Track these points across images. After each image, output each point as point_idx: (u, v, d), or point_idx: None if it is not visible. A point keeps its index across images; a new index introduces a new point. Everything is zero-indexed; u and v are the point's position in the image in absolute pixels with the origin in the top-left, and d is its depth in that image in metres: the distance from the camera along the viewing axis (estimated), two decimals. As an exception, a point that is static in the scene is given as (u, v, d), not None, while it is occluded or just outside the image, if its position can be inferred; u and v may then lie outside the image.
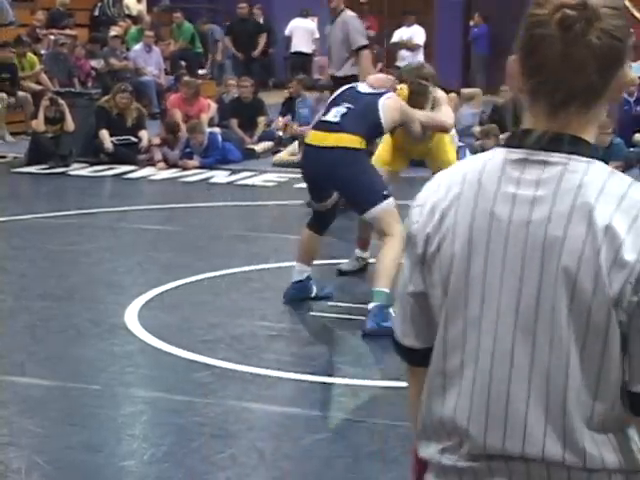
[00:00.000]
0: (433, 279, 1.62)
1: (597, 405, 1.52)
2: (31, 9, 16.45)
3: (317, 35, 19.92)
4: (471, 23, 19.79)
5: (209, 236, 8.32)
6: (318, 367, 4.95)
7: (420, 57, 15.47)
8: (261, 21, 20.06)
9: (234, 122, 12.65)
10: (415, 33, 15.58)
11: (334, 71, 8.70)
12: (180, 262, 7.08)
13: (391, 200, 5.57)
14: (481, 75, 18.77)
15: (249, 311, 5.80)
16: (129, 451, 3.94)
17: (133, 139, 12.02)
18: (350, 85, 5.95)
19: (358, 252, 6.68)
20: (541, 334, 1.52)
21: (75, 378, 4.69)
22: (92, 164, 11.68)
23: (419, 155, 6.63)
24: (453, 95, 14.04)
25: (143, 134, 12.10)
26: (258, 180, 10.69)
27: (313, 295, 5.93)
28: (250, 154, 11.88)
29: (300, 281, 5.85)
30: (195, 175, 11.00)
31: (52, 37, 15.86)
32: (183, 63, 17.00)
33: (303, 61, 19.61)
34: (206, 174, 10.99)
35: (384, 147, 6.56)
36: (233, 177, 10.78)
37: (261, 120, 12.66)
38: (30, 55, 14.57)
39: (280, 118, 13.28)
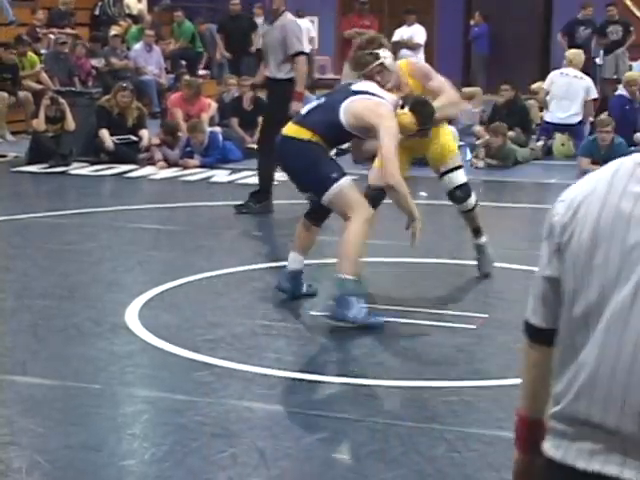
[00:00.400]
0: (565, 266, 1.84)
1: None
2: (31, 8, 16.45)
3: (313, 34, 20.01)
4: (471, 22, 19.78)
5: (210, 235, 8.33)
6: (319, 366, 4.96)
7: (421, 56, 15.44)
8: (261, 20, 20.07)
9: (234, 121, 12.65)
10: (416, 32, 15.56)
11: (268, 73, 8.71)
12: (181, 261, 7.09)
13: (343, 181, 5.52)
14: (481, 74, 18.76)
15: (250, 310, 5.81)
16: (129, 450, 3.94)
17: (134, 138, 12.03)
18: (351, 81, 5.97)
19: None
20: None
21: (76, 377, 4.70)
22: (92, 163, 11.70)
23: (420, 152, 6.45)
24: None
25: (144, 133, 12.10)
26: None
27: (303, 292, 5.97)
28: (251, 153, 11.87)
29: (293, 270, 5.90)
30: (195, 174, 11.01)
31: (52, 36, 15.86)
32: (183, 62, 17.00)
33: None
34: (207, 173, 11.00)
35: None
36: (234, 176, 10.79)
37: (261, 120, 12.66)
38: (31, 54, 14.58)
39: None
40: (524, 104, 13.49)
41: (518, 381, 4.77)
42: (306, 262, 6.33)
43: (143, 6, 19.12)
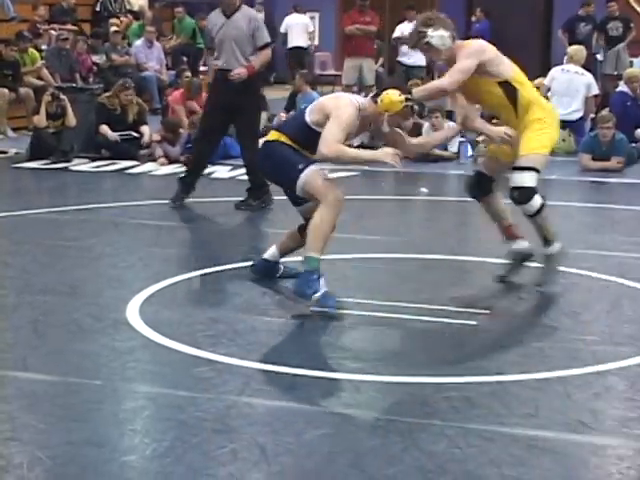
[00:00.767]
0: None
1: None
2: (33, 4, 16.44)
3: (311, 29, 20.05)
4: (473, 19, 19.78)
5: (211, 231, 8.34)
6: (319, 362, 4.95)
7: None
8: (262, 16, 20.03)
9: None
10: (416, 28, 15.53)
11: (224, 65, 8.73)
12: (182, 257, 7.10)
13: (309, 171, 5.67)
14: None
15: (251, 306, 5.81)
16: (131, 446, 3.94)
17: (134, 134, 12.03)
18: None
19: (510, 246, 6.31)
20: None
21: (77, 373, 4.70)
22: (93, 159, 11.71)
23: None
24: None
25: (144, 129, 12.11)
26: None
27: (279, 274, 6.22)
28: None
29: (268, 260, 6.19)
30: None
31: (54, 32, 15.86)
32: (184, 58, 16.99)
33: (300, 55, 19.71)
34: (207, 169, 10.97)
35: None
36: (234, 172, 10.78)
37: (262, 115, 12.65)
38: (32, 50, 14.58)
39: (282, 113, 13.31)
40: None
41: (519, 377, 4.79)
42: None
43: (144, 2, 19.13)
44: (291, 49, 19.83)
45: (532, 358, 5.03)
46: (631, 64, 16.88)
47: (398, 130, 5.96)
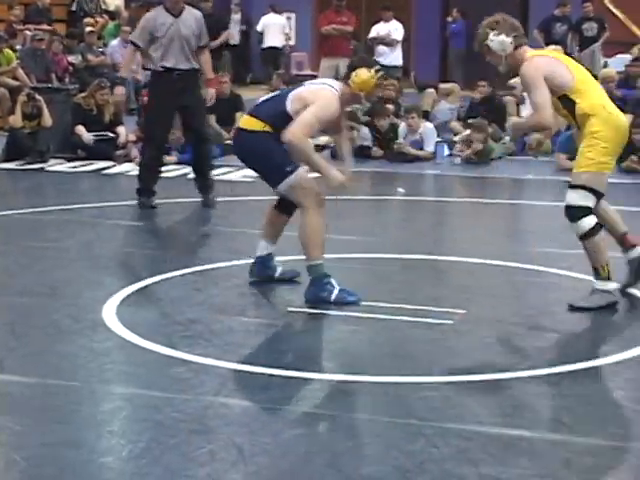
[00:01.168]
0: None
1: None
2: (8, 5, 16.36)
3: (287, 30, 20.05)
4: (449, 19, 19.81)
5: (188, 232, 8.32)
6: (296, 362, 4.95)
7: (398, 52, 15.46)
8: (238, 17, 20.04)
9: (212, 118, 12.62)
10: (393, 28, 15.57)
11: (170, 64, 8.72)
12: (159, 258, 7.07)
13: (295, 176, 5.68)
14: (459, 70, 18.80)
15: (228, 307, 5.80)
16: (108, 447, 3.93)
17: (110, 135, 12.00)
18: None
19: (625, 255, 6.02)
20: None
21: (54, 375, 4.68)
22: (69, 160, 11.66)
23: None
24: (431, 90, 14.09)
25: (120, 130, 12.08)
26: (237, 175, 10.70)
27: (277, 275, 6.14)
28: (229, 149, 11.86)
29: (262, 256, 6.06)
30: (173, 171, 10.98)
31: (29, 33, 15.78)
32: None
33: (275, 56, 19.74)
34: (184, 170, 10.96)
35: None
36: (212, 172, 10.74)
37: (239, 115, 12.64)
38: (7, 51, 14.49)
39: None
40: (501, 100, 13.52)
41: (497, 376, 4.80)
42: (285, 258, 6.33)
43: (120, 2, 19.09)
44: (266, 49, 19.84)
45: (510, 357, 5.05)
46: (606, 64, 16.98)
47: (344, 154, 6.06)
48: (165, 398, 4.38)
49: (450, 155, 12.26)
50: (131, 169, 11.22)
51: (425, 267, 6.94)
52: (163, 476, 3.65)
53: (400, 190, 9.97)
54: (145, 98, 13.45)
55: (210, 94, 9.21)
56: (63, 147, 12.02)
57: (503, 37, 5.77)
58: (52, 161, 11.56)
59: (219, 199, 9.06)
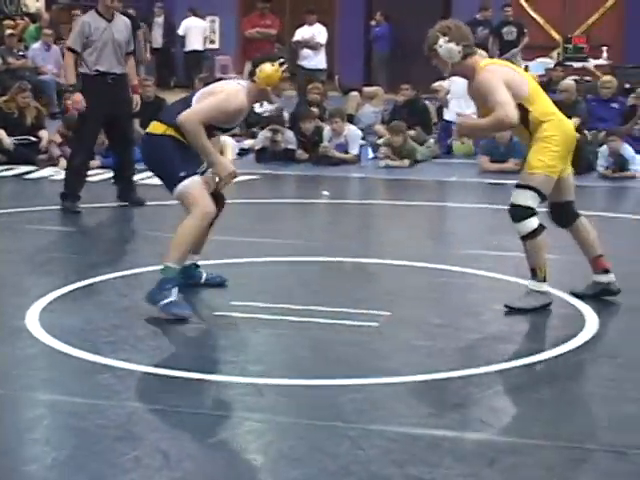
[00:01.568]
0: None
1: None
2: None
3: (208, 33, 20.06)
4: (372, 22, 19.91)
5: (112, 236, 8.25)
6: (222, 366, 4.94)
7: (322, 56, 15.50)
8: (161, 20, 19.94)
9: (136, 121, 12.51)
10: (317, 32, 15.60)
11: (100, 68, 8.88)
12: (83, 263, 7.01)
13: (189, 182, 5.60)
14: (382, 74, 18.91)
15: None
16: (31, 455, 3.88)
17: (32, 139, 11.85)
18: None
19: (594, 277, 6.11)
20: None
21: (-25, 383, 4.61)
22: (-10, 165, 11.50)
23: None
24: (355, 94, 14.15)
25: (43, 134, 11.95)
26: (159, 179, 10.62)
27: (203, 281, 6.11)
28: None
29: (185, 267, 5.92)
30: (97, 175, 10.88)
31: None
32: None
33: (197, 59, 19.73)
34: (108, 174, 10.86)
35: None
36: (136, 177, 10.67)
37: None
38: None
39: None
40: (424, 103, 13.63)
41: (421, 377, 4.84)
42: (209, 262, 6.31)
43: (41, 4, 18.87)
44: (188, 53, 19.80)
45: (434, 358, 5.09)
46: (527, 68, 17.20)
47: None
48: (89, 404, 4.34)
49: (374, 158, 12.33)
50: (54, 173, 11.10)
51: (350, 270, 6.96)
52: (87, 483, 3.62)
53: (325, 193, 10.00)
54: (68, 102, 13.34)
55: (136, 100, 9.29)
56: (-17, 152, 11.84)
57: (452, 45, 5.73)
58: (-28, 166, 11.39)
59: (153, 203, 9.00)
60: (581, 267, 7.06)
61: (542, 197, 5.79)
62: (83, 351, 5.00)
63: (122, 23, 9.07)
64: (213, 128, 5.71)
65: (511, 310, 5.77)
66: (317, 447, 3.93)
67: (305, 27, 15.68)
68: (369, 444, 3.95)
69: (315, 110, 12.94)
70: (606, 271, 6.07)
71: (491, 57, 15.78)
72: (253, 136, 12.58)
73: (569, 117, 12.01)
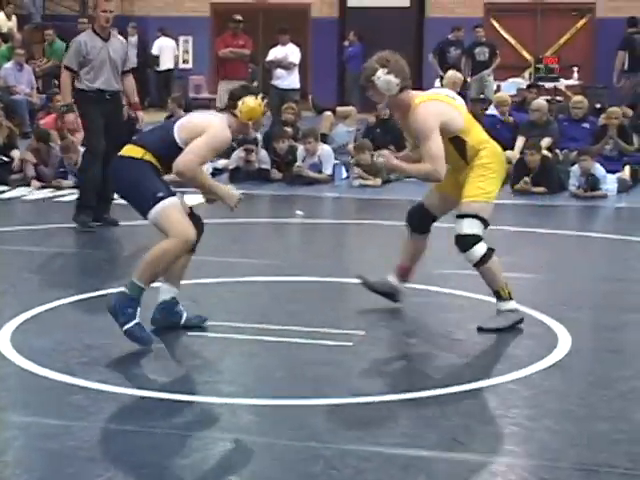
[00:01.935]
0: None
1: None
2: None
3: (176, 52, 20.21)
4: (345, 42, 19.99)
5: (85, 257, 8.22)
6: (196, 387, 4.92)
7: (295, 75, 15.54)
8: (135, 39, 19.94)
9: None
10: (290, 52, 15.64)
11: (99, 86, 9.05)
12: (55, 283, 6.98)
13: (169, 201, 5.40)
14: (356, 93, 18.95)
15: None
16: (2, 478, 3.84)
17: (4, 159, 11.81)
18: None
19: (391, 278, 6.28)
20: None
21: (-54, 404, 4.57)
22: (-38, 185, 11.44)
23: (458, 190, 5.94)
24: (328, 113, 14.19)
25: (15, 153, 11.90)
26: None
27: (183, 322, 5.75)
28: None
29: (165, 301, 5.70)
30: (70, 195, 10.85)
31: None
32: (55, 82, 16.75)
33: (169, 78, 19.83)
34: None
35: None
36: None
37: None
38: None
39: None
40: (397, 123, 13.66)
41: (395, 397, 4.84)
42: (183, 282, 6.30)
43: (13, 24, 18.81)
44: (161, 72, 19.87)
45: (407, 378, 5.09)
46: (499, 88, 17.32)
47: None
48: (62, 426, 4.31)
49: (347, 177, 12.36)
50: (26, 193, 11.06)
51: (325, 289, 6.97)
52: (60, 505, 3.59)
53: (299, 213, 10.00)
54: (41, 121, 13.31)
55: (140, 117, 9.53)
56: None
57: (391, 77, 5.69)
58: (-56, 186, 11.33)
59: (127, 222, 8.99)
60: (553, 286, 7.10)
61: (485, 224, 5.84)
62: (55, 372, 4.97)
63: (118, 42, 9.30)
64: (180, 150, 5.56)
65: (484, 331, 5.79)
66: (291, 467, 3.92)
67: (278, 47, 15.72)
68: (343, 464, 3.94)
69: (289, 130, 12.96)
70: (405, 281, 6.28)
71: (464, 77, 15.97)
72: (227, 156, 12.58)
73: (541, 137, 12.25)
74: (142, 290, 5.35)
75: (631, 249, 8.59)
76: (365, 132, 13.47)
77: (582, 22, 20.65)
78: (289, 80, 15.36)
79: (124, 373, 5.04)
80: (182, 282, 5.93)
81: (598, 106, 14.80)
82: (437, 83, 15.73)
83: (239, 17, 15.35)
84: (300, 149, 12.36)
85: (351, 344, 5.55)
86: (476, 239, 5.79)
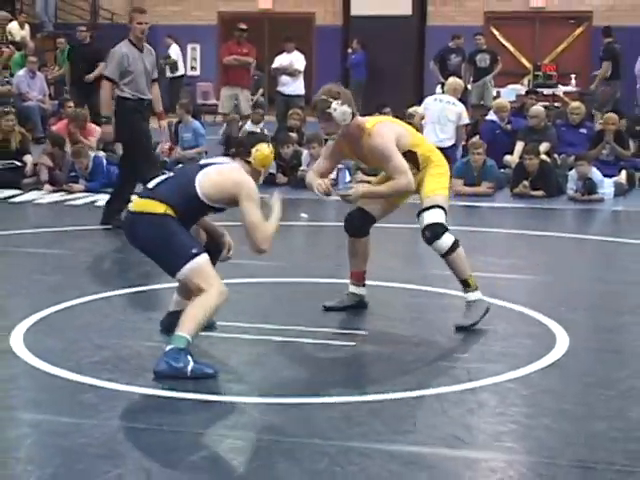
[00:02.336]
0: None
1: None
2: None
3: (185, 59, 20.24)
4: (349, 50, 20.00)
5: (96, 258, 8.22)
6: (203, 386, 4.91)
7: (300, 82, 15.55)
8: (177, 49, 19.97)
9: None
10: (295, 59, 15.65)
11: (143, 96, 9.22)
12: (67, 285, 6.97)
13: (199, 259, 5.13)
14: (359, 100, 18.95)
15: (135, 332, 5.74)
16: (14, 474, 3.85)
17: (17, 163, 11.82)
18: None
19: (352, 288, 6.32)
20: None
21: (-40, 402, 4.57)
22: (-24, 189, 11.45)
23: (415, 187, 6.01)
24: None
25: (28, 158, 11.92)
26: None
27: None
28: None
29: (175, 311, 5.53)
30: (81, 199, 10.86)
31: None
32: (66, 88, 16.77)
33: (179, 84, 19.91)
34: (92, 197, 10.86)
35: (382, 179, 6.18)
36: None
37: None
38: None
39: (166, 144, 13.22)
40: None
41: (396, 395, 4.84)
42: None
43: (26, 33, 18.85)
44: (173, 78, 19.88)
45: (409, 376, 5.09)
46: (498, 94, 17.31)
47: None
48: (73, 423, 4.31)
49: (350, 181, 12.35)
50: (38, 197, 11.07)
51: (328, 290, 6.96)
52: (71, 501, 3.59)
53: (304, 215, 9.99)
54: (53, 127, 13.32)
55: (163, 126, 9.80)
56: (-31, 176, 11.79)
57: (345, 107, 5.76)
58: (-42, 190, 11.34)
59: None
60: (551, 287, 7.09)
61: (445, 214, 5.99)
62: (67, 371, 4.98)
63: (149, 52, 9.37)
64: (209, 209, 5.38)
65: (463, 329, 5.82)
66: (296, 464, 3.92)
67: (284, 54, 15.73)
68: (347, 461, 3.94)
69: (294, 135, 12.96)
70: (364, 285, 6.31)
71: (465, 83, 15.97)
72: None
73: (540, 142, 12.24)
74: (189, 343, 5.02)
75: (627, 251, 8.58)
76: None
77: (579, 30, 20.65)
78: (294, 86, 15.37)
79: (133, 372, 5.03)
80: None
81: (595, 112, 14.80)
82: (438, 89, 15.73)
83: (243, 26, 15.35)
84: (305, 154, 12.37)
85: (354, 344, 5.54)
86: (443, 228, 5.90)
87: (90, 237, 8.97)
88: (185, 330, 5.00)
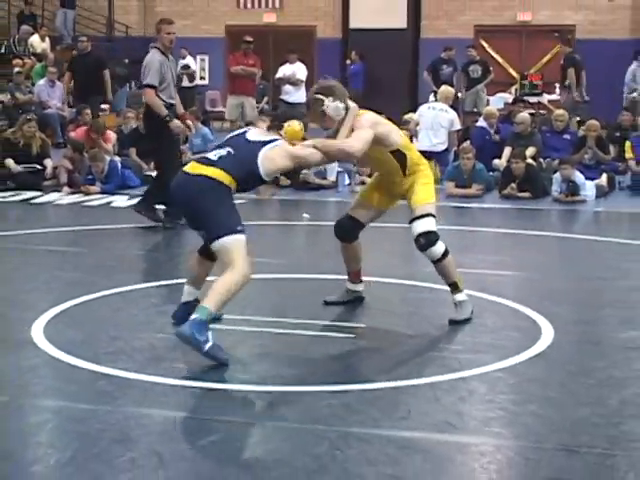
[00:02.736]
0: None
1: None
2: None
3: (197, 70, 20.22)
4: (348, 61, 19.98)
5: (111, 256, 8.21)
6: (212, 375, 4.91)
7: (302, 91, 15.54)
8: (192, 60, 19.93)
9: (133, 151, 12.53)
10: (298, 69, 15.65)
11: (171, 100, 9.26)
12: (84, 280, 6.97)
13: (241, 237, 5.15)
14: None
15: (148, 324, 5.74)
16: (36, 457, 3.85)
17: (38, 167, 11.84)
18: (241, 131, 5.62)
19: (350, 285, 6.27)
20: None
21: (-16, 390, 4.57)
22: (-1, 190, 11.46)
23: (402, 194, 6.02)
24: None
25: (48, 162, 11.93)
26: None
27: None
28: (148, 180, 11.78)
29: (188, 302, 5.58)
30: (97, 200, 10.87)
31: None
32: (65, 97, 16.76)
33: (192, 93, 19.89)
34: (107, 199, 10.86)
35: (370, 186, 6.19)
36: (132, 201, 10.65)
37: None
38: None
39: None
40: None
41: (393, 384, 4.83)
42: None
43: (46, 45, 18.86)
44: (188, 88, 19.84)
45: (404, 366, 5.09)
46: (488, 102, 17.30)
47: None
48: (89, 410, 4.31)
49: (350, 184, 12.35)
50: (58, 198, 11.07)
51: (329, 286, 6.95)
52: (88, 483, 3.59)
53: (305, 216, 9.99)
54: (72, 133, 13.32)
55: (191, 125, 9.88)
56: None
57: (338, 103, 5.67)
58: (-18, 192, 11.34)
59: (132, 225, 9.01)
60: (538, 283, 7.09)
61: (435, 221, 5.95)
62: (84, 361, 4.98)
63: (173, 61, 9.48)
64: (263, 183, 5.47)
65: (457, 322, 5.82)
66: (299, 448, 3.92)
67: (287, 65, 15.72)
68: (346, 445, 3.94)
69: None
70: (361, 281, 6.26)
71: (457, 92, 15.94)
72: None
73: (526, 147, 12.23)
74: (212, 315, 5.01)
75: (608, 249, 8.57)
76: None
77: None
78: (296, 95, 15.36)
79: (146, 362, 5.03)
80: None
81: (578, 119, 14.77)
82: (431, 97, 15.71)
83: (249, 38, 15.38)
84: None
85: (354, 336, 5.54)
86: (436, 236, 5.86)
87: (106, 236, 8.97)
88: (209, 302, 5.00)
